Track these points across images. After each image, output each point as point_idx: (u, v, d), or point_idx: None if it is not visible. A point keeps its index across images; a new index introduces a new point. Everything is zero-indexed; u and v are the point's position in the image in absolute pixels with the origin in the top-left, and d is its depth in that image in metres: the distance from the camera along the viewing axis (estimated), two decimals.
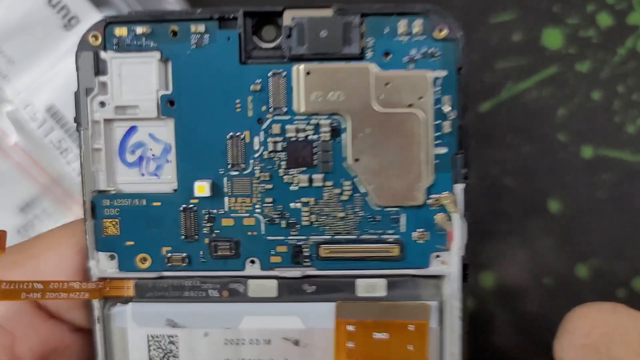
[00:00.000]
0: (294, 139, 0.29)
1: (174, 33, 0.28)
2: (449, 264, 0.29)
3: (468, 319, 0.29)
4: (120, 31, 0.28)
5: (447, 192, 0.28)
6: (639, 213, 0.46)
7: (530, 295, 0.47)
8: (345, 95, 0.28)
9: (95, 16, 0.46)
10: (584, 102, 0.48)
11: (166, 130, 0.29)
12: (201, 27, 0.28)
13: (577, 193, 0.47)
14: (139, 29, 0.28)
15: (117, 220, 0.29)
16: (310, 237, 0.29)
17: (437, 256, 0.29)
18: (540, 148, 0.47)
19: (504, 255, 0.47)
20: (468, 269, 0.29)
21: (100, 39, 0.28)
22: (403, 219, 0.29)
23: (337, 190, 0.29)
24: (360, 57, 0.28)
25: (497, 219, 0.47)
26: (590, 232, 0.46)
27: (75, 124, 0.29)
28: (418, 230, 0.29)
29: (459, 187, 0.28)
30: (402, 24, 0.28)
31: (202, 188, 0.29)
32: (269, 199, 0.29)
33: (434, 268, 0.29)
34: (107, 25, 0.28)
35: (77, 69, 0.29)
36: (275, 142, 0.29)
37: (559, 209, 0.47)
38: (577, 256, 0.47)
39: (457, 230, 0.28)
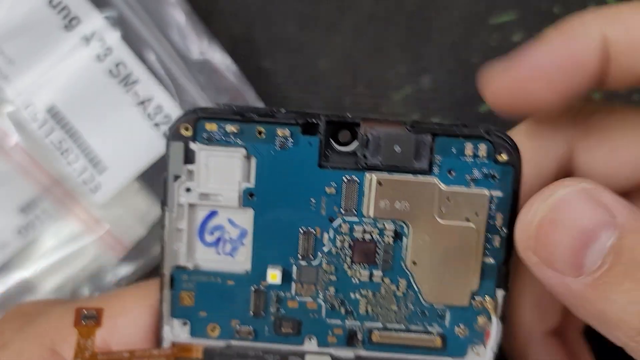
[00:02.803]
0: (360, 238, 0.32)
1: (260, 133, 0.31)
2: (482, 356, 0.33)
3: None
4: (211, 126, 0.31)
5: (490, 297, 0.32)
6: None
7: None
8: (410, 206, 0.31)
9: (96, 17, 0.46)
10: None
11: (244, 218, 0.32)
12: (286, 132, 0.31)
13: None
14: (229, 127, 0.31)
15: (193, 293, 0.32)
16: (365, 323, 0.33)
17: (472, 348, 0.33)
18: None
19: None
20: None
21: (191, 131, 0.31)
22: (448, 316, 0.32)
23: (393, 287, 0.32)
24: (427, 171, 0.31)
25: None
26: None
27: (161, 203, 0.32)
28: (460, 325, 0.32)
29: (500, 294, 0.32)
30: (468, 147, 0.30)
31: (274, 276, 0.32)
32: (332, 288, 0.32)
33: (469, 358, 0.33)
34: (198, 119, 0.30)
35: (168, 156, 0.31)
36: (343, 240, 0.32)
37: None
38: None
39: (494, 331, 0.32)
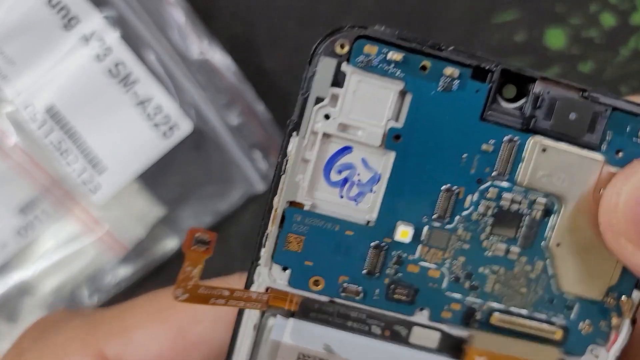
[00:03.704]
0: (506, 208, 0.28)
1: (424, 68, 0.27)
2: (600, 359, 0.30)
3: None
4: (371, 49, 0.26)
5: (627, 297, 0.29)
6: None
7: None
8: (568, 181, 0.28)
9: (95, 17, 0.46)
10: None
11: (381, 161, 0.28)
12: (455, 72, 0.27)
13: None
14: (391, 55, 0.26)
15: (302, 237, 0.28)
16: (487, 302, 0.29)
17: (592, 350, 0.30)
18: None
19: None
20: None
21: (347, 49, 0.26)
22: (577, 308, 0.29)
23: (528, 267, 0.29)
24: (596, 147, 0.27)
25: None
26: None
27: (287, 128, 0.27)
28: (586, 321, 0.29)
29: (638, 295, 0.29)
30: None
31: (405, 234, 0.28)
32: (462, 258, 0.29)
33: (586, 358, 0.30)
34: (358, 38, 0.26)
35: (314, 73, 0.27)
36: (487, 206, 0.28)
37: None
38: None
39: (623, 335, 0.29)
